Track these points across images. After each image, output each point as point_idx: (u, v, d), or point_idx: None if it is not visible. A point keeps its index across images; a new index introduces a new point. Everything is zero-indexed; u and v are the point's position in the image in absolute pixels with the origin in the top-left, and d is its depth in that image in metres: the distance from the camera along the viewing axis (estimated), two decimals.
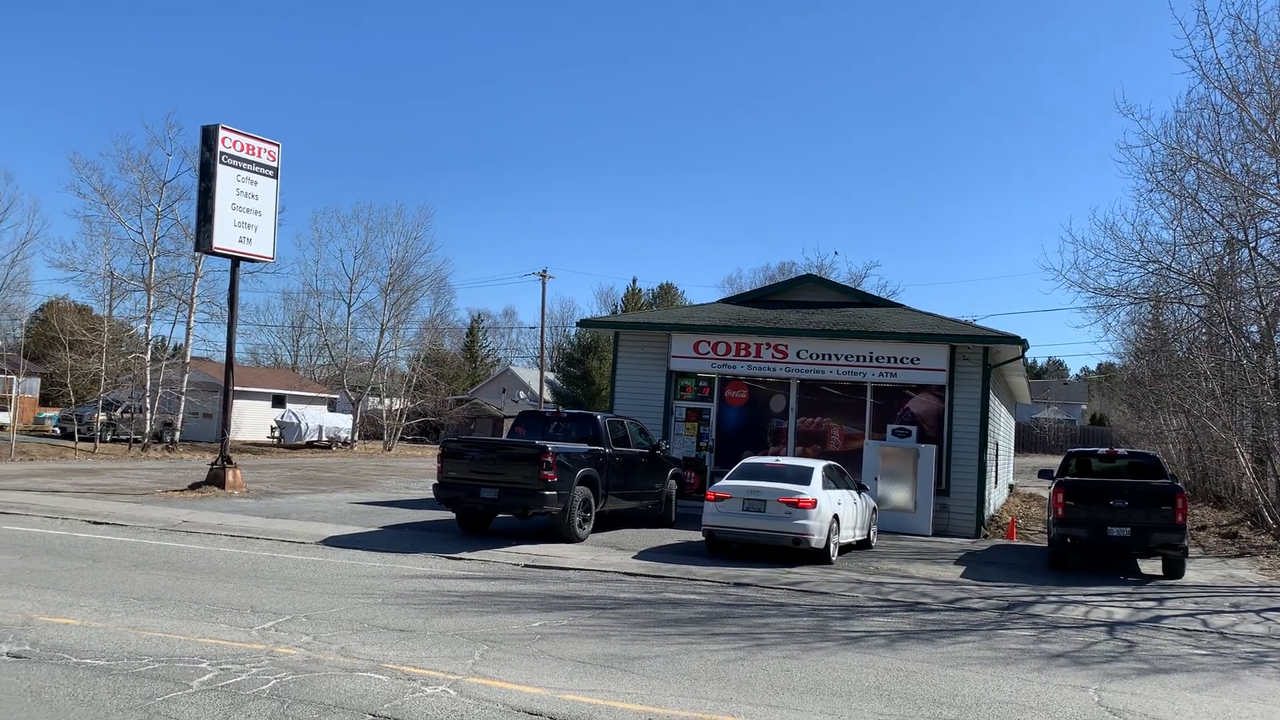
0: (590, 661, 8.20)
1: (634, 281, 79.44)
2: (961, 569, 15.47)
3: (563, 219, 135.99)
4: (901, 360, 21.21)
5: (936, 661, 8.93)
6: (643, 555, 15.12)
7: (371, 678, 7.30)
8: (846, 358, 21.53)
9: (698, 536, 15.87)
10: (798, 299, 24.47)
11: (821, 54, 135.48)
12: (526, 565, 13.80)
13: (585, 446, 16.70)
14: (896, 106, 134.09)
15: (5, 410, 45.43)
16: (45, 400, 51.87)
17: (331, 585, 11.44)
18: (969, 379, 21.05)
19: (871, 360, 21.36)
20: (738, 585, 12.86)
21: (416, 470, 34.17)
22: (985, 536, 20.51)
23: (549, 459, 15.18)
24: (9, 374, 45.80)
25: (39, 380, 50.27)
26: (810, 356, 21.72)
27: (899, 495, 19.91)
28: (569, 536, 15.79)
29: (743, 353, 22.06)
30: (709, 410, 22.49)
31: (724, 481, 15.52)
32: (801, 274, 35.32)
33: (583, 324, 32.22)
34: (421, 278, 54.53)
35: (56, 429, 42.84)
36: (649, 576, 13.29)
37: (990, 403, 21.49)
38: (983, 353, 21.07)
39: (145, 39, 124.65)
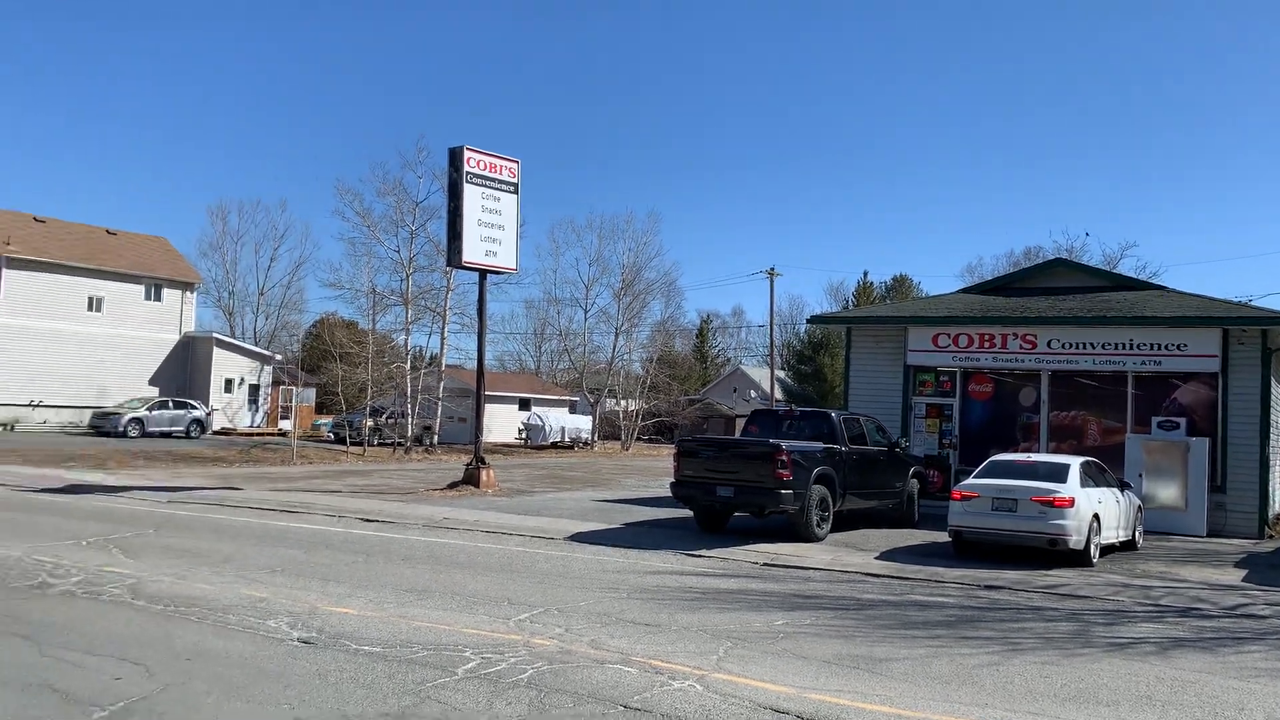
0: (835, 661, 8.09)
1: (865, 275, 77.98)
2: (1243, 572, 14.12)
3: (789, 214, 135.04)
4: (1166, 347, 19.59)
5: (1216, 672, 8.20)
6: (885, 556, 14.76)
7: (621, 670, 7.53)
8: (1103, 346, 20.13)
9: (942, 537, 15.32)
10: (1045, 285, 23.08)
11: (1059, 17, 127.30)
12: (765, 564, 13.80)
13: (820, 445, 16.50)
14: (1153, 62, 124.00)
15: (287, 418, 50.21)
16: (320, 408, 56.85)
17: (579, 579, 11.89)
18: (1245, 365, 19.17)
19: (1132, 348, 19.86)
20: (989, 588, 12.31)
21: (653, 469, 34.91)
22: (1270, 537, 18.62)
23: (784, 457, 15.12)
24: (290, 384, 50.61)
25: (314, 390, 55.15)
26: (1062, 346, 20.46)
27: (1166, 493, 18.40)
28: (807, 536, 15.65)
29: (986, 344, 21.09)
30: (951, 406, 21.65)
31: (971, 480, 14.93)
32: (1049, 258, 33.37)
33: (813, 320, 31.84)
34: (652, 281, 55.82)
35: (330, 434, 46.84)
36: (892, 577, 12.96)
37: (1272, 390, 19.48)
38: (1261, 336, 19.12)
39: (390, 60, 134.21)
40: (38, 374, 44.08)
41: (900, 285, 76.04)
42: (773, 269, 56.82)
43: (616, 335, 54.22)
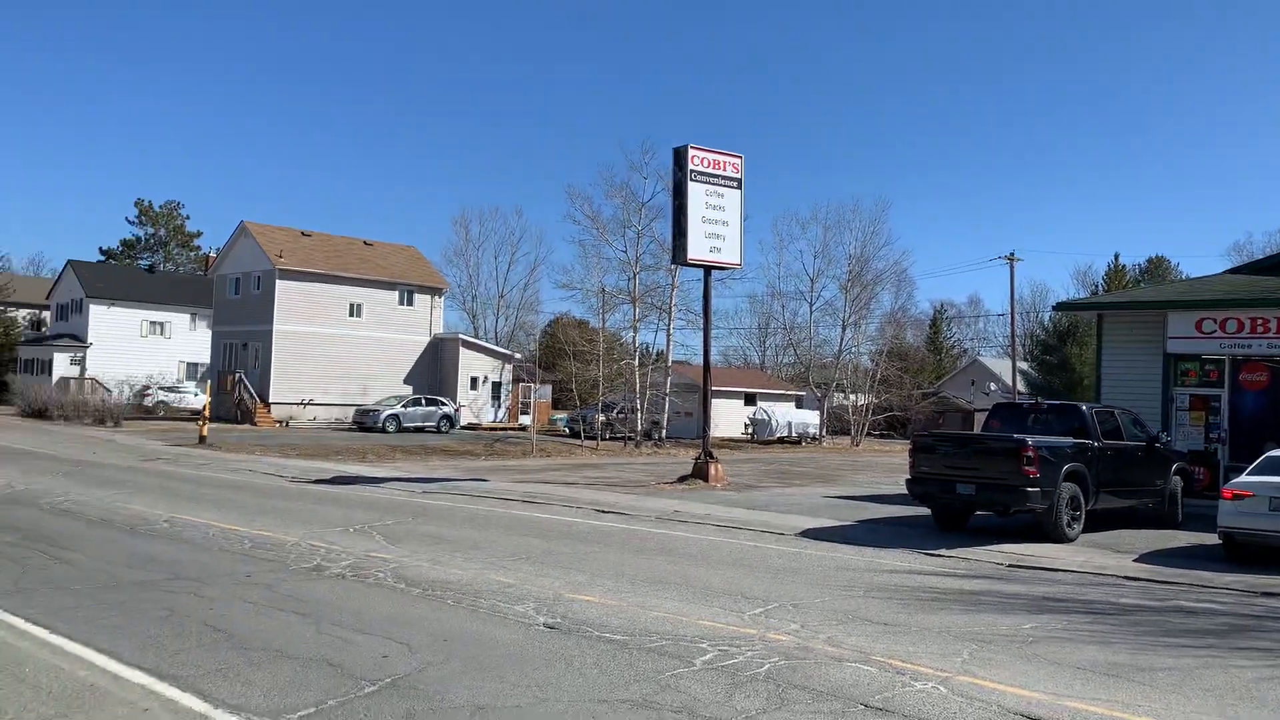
0: (1091, 668, 7.60)
1: (1116, 258, 72.60)
2: None
3: (1029, 195, 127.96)
4: None
5: None
6: (1145, 558, 13.72)
7: (860, 669, 7.39)
8: None
9: (1209, 539, 14.08)
10: None
11: None
12: (1010, 565, 13.14)
13: (1070, 440, 15.53)
14: None
15: (526, 414, 52.59)
16: (556, 404, 59.20)
17: (812, 576, 11.76)
18: None
19: None
20: (1267, 595, 11.20)
21: (885, 465, 34.05)
22: None
23: (1030, 453, 14.34)
24: (528, 382, 52.97)
25: (551, 387, 57.48)
26: None
27: None
28: (1055, 536, 14.78)
29: (1260, 329, 19.15)
30: (1218, 397, 19.82)
31: (1245, 477, 13.58)
32: None
33: (1060, 307, 30.04)
34: (881, 271, 54.41)
35: (566, 429, 48.67)
36: (1154, 581, 12.02)
37: None
38: None
39: (617, 63, 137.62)
40: (307, 375, 48.36)
41: (1156, 267, 70.41)
42: (1012, 254, 54.10)
43: (844, 328, 53.29)
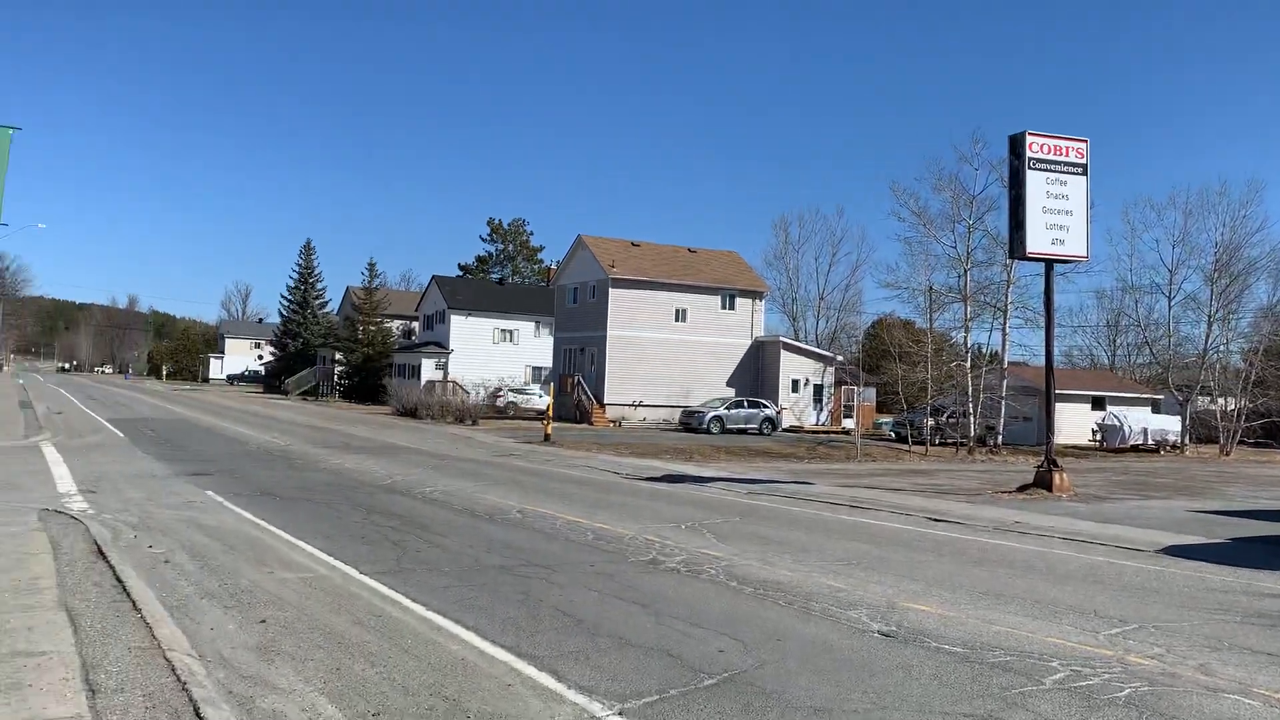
0: None
1: None
2: None
3: None
4: None
5: None
6: None
7: (1241, 702, 6.60)
8: None
9: None
10: None
11: None
12: None
13: None
14: None
15: (849, 417, 51.88)
16: (880, 407, 57.89)
17: (1176, 597, 10.65)
18: None
19: None
20: None
21: (1262, 477, 30.20)
22: None
23: None
24: (850, 384, 52.23)
25: (874, 389, 56.31)
26: None
27: None
28: None
29: None
30: None
31: None
32: None
33: None
34: (1255, 260, 48.29)
35: (891, 433, 47.42)
36: None
37: None
38: None
39: (939, 59, 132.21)
40: (636, 378, 50.65)
41: None
42: None
43: (1209, 324, 47.84)
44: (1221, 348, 49.52)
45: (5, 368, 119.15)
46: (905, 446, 39.68)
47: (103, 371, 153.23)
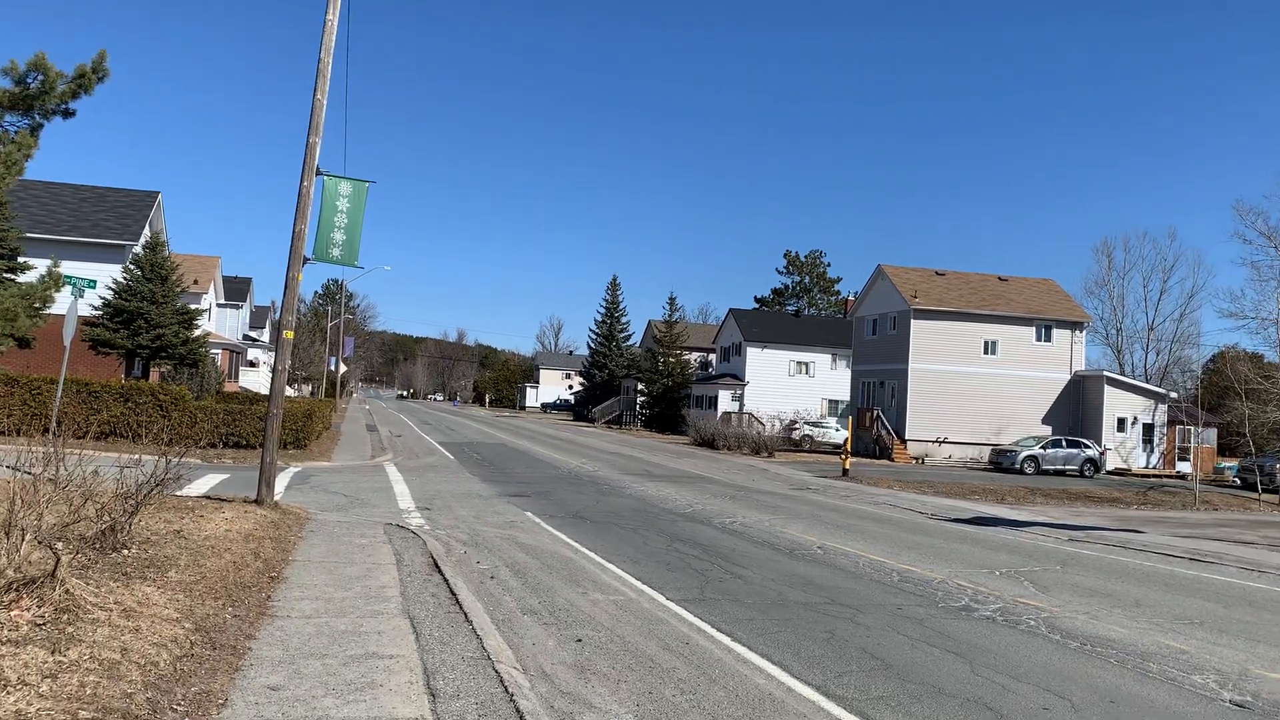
0: None
1: None
2: None
3: None
4: None
5: None
6: None
7: None
8: None
9: None
10: None
11: None
12: None
13: None
14: None
15: (1185, 460, 47.01)
16: (1223, 449, 52.04)
17: None
18: None
19: None
20: None
21: None
22: None
23: None
24: (1186, 424, 47.37)
25: (1215, 430, 50.76)
26: None
27: None
28: None
29: None
30: None
31: None
32: None
33: None
34: None
35: (1235, 479, 42.49)
36: None
37: None
38: None
39: None
40: (940, 413, 48.66)
41: None
42: None
43: None
44: None
45: (354, 394, 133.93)
46: (1254, 495, 35.33)
47: (434, 399, 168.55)
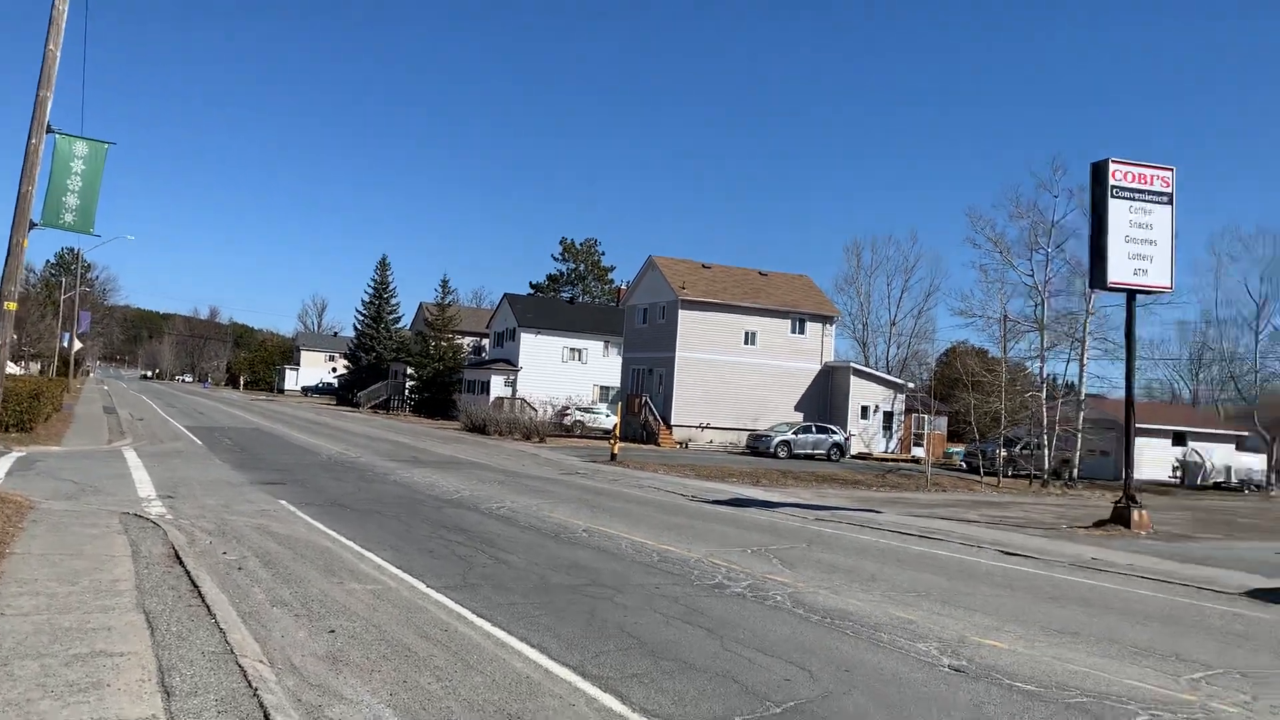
0: None
1: None
2: None
3: None
4: None
5: None
6: None
7: None
8: None
9: None
10: None
11: None
12: None
13: None
14: None
15: (919, 445, 51.06)
16: (952, 436, 56.88)
17: (1266, 642, 10.23)
18: None
19: None
20: None
21: None
22: None
23: None
24: (921, 412, 51.45)
25: (946, 418, 55.38)
26: None
27: None
28: None
29: None
30: None
31: None
32: None
33: None
34: None
35: (962, 463, 46.57)
36: None
37: None
38: None
39: (1018, 81, 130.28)
40: (704, 400, 50.51)
41: None
42: None
43: None
44: None
45: (91, 374, 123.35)
46: (977, 477, 38.88)
47: (183, 380, 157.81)
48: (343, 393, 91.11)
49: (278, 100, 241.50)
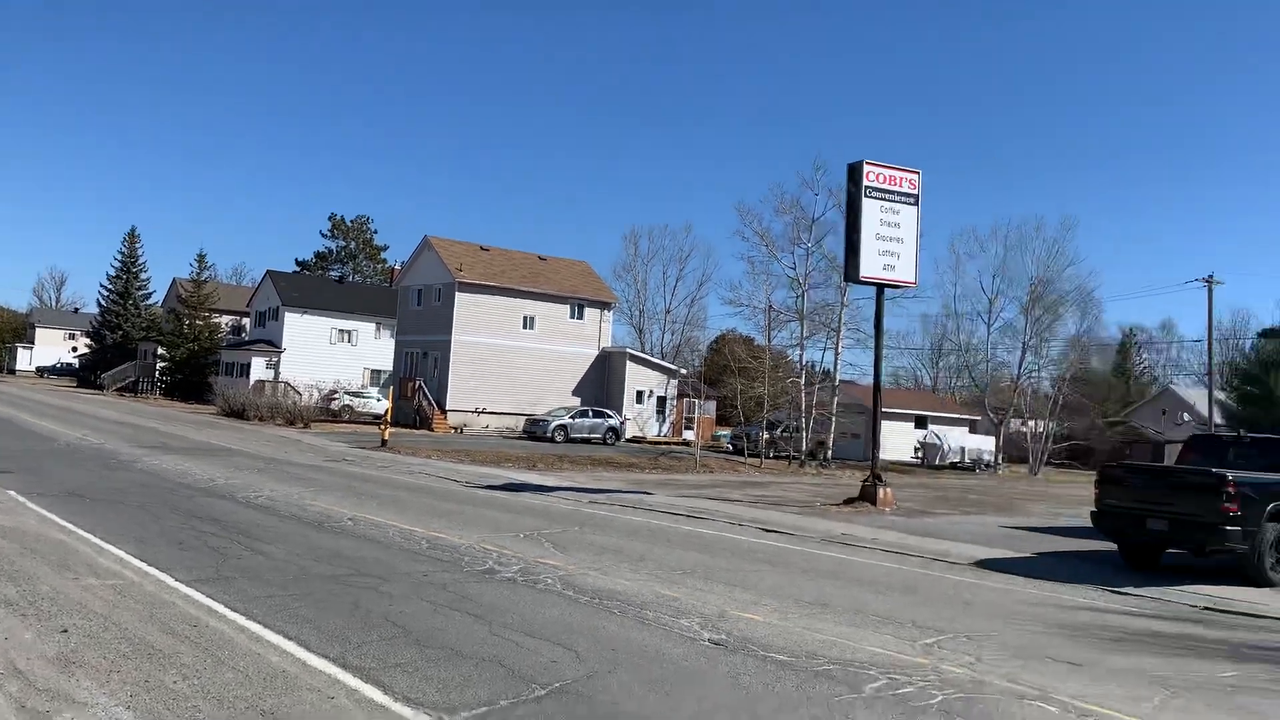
0: None
1: None
2: None
3: (1228, 214, 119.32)
4: None
5: None
6: None
7: (1042, 708, 7.02)
8: None
9: None
10: None
11: None
12: (1206, 608, 12.23)
13: (1277, 476, 14.35)
14: None
15: (690, 429, 52.75)
16: (720, 419, 59.17)
17: (989, 608, 11.28)
18: None
19: None
20: None
21: (1066, 497, 32.34)
22: None
23: (1231, 489, 13.32)
24: (693, 397, 53.18)
25: (715, 403, 57.52)
26: None
27: None
28: (1258, 580, 13.66)
29: None
30: None
31: None
32: None
33: (1267, 334, 27.83)
34: (1065, 293, 51.77)
35: (729, 445, 48.53)
36: None
37: None
38: None
39: (788, 79, 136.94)
40: (481, 385, 50.08)
41: None
42: (1210, 276, 50.46)
43: (1024, 351, 51.02)
44: (1033, 374, 52.89)
45: None
46: (742, 459, 40.64)
47: None
48: (85, 374, 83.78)
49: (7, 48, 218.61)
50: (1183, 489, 14.15)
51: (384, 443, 33.94)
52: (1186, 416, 62.53)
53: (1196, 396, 63.21)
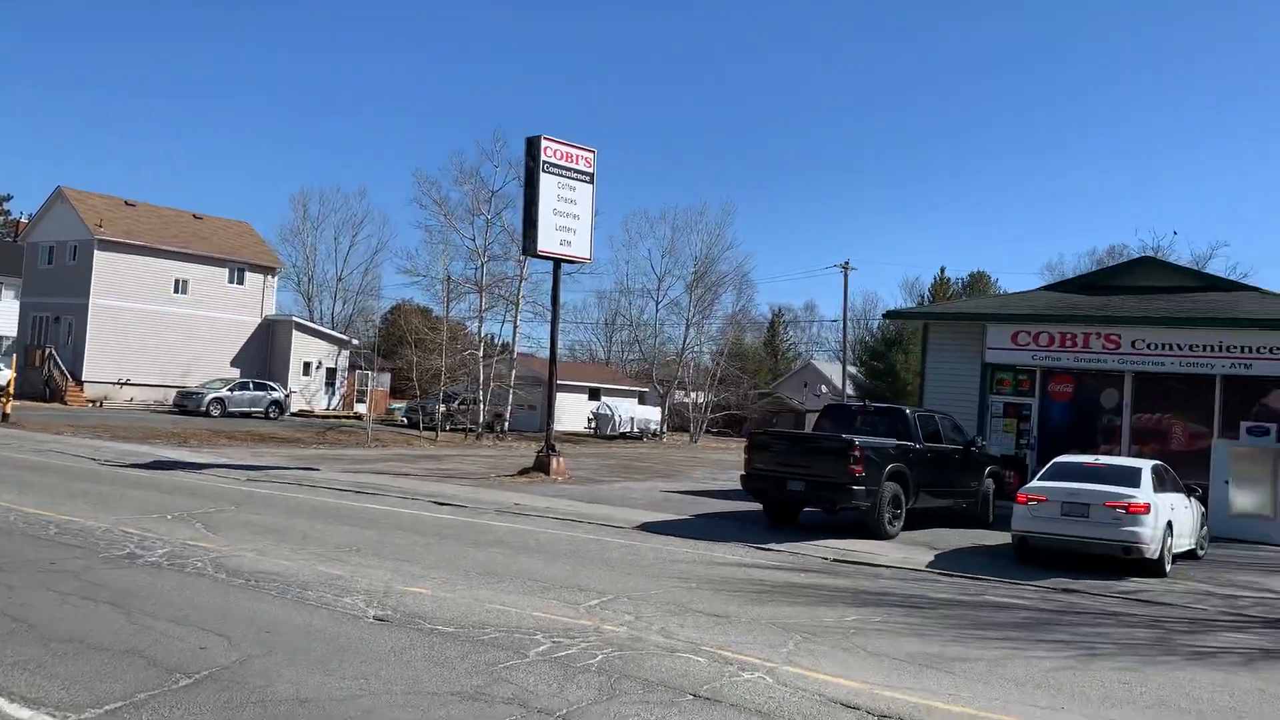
0: (907, 660, 7.99)
1: (941, 271, 76.78)
2: None
3: (863, 208, 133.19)
4: (1258, 350, 18.93)
5: None
6: (956, 555, 14.53)
7: (691, 659, 7.53)
8: (1191, 348, 19.52)
9: None
10: (1131, 284, 22.52)
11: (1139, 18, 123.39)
12: (835, 559, 13.68)
13: (894, 441, 16.29)
14: (1243, 55, 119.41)
15: (363, 402, 51.19)
16: (395, 393, 57.85)
17: (649, 569, 11.92)
18: None
19: (1221, 350, 19.23)
20: (1066, 591, 12.05)
21: (723, 461, 34.84)
22: None
23: (856, 453, 14.97)
24: (366, 369, 51.61)
25: (390, 375, 56.15)
26: (1147, 346, 19.90)
27: (1253, 500, 17.79)
28: (878, 533, 15.47)
29: (1068, 343, 20.60)
30: (1030, 405, 21.19)
31: (1037, 483, 14.36)
32: (1134, 256, 32.49)
33: (889, 315, 31.41)
34: (724, 274, 55.69)
35: (404, 419, 47.64)
36: (965, 577, 12.75)
37: None
38: None
39: (469, 50, 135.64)
40: (126, 353, 45.62)
41: (977, 282, 74.59)
42: (847, 263, 56.22)
43: (687, 327, 54.27)
44: (696, 348, 56.43)
45: None
46: (417, 432, 40.07)
47: None
48: None
49: None
50: (817, 453, 15.69)
51: (5, 417, 30.12)
52: (824, 388, 69.36)
53: (833, 370, 70.30)
